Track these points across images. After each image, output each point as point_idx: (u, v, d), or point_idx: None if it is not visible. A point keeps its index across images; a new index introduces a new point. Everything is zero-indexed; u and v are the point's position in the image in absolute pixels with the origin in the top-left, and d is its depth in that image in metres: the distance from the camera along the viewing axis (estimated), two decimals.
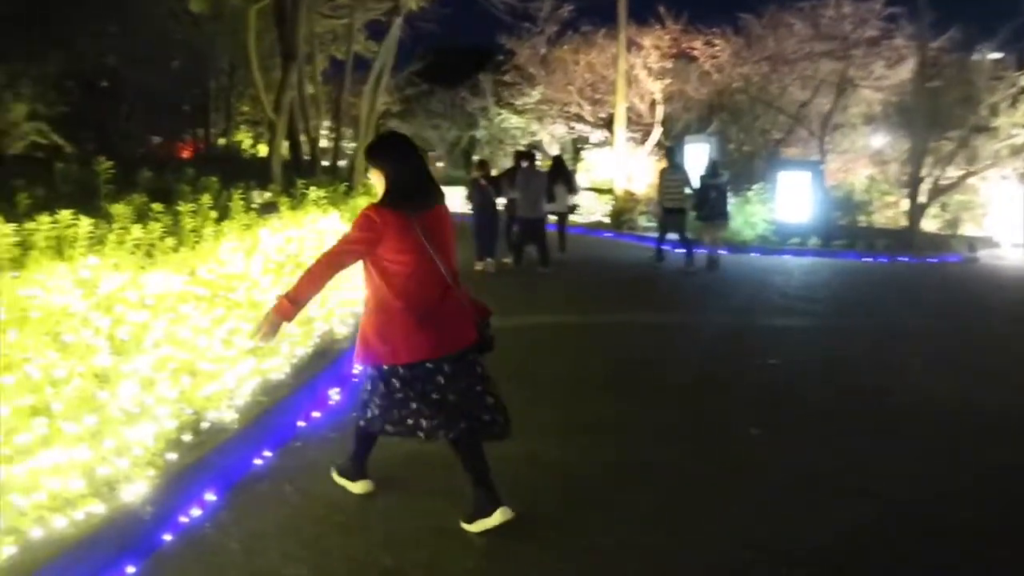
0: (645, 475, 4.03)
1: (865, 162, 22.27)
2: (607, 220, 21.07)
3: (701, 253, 12.20)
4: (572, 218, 23.22)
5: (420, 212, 3.17)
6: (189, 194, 5.33)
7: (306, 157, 11.38)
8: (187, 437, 3.57)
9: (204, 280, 4.26)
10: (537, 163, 12.51)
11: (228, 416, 3.93)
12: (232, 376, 4.08)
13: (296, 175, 8.85)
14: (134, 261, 3.67)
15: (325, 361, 5.53)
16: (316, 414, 4.89)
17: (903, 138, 19.78)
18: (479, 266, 11.51)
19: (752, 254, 14.76)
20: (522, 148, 22.83)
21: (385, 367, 3.21)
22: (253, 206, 5.96)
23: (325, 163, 13.13)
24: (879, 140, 22.00)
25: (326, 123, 13.92)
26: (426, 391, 3.19)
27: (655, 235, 13.34)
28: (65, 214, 3.44)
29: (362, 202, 8.77)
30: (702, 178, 12.30)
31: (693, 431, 4.79)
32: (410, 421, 3.24)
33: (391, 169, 3.21)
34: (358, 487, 3.64)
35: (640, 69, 20.21)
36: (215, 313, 4.11)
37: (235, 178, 7.31)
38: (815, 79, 18.78)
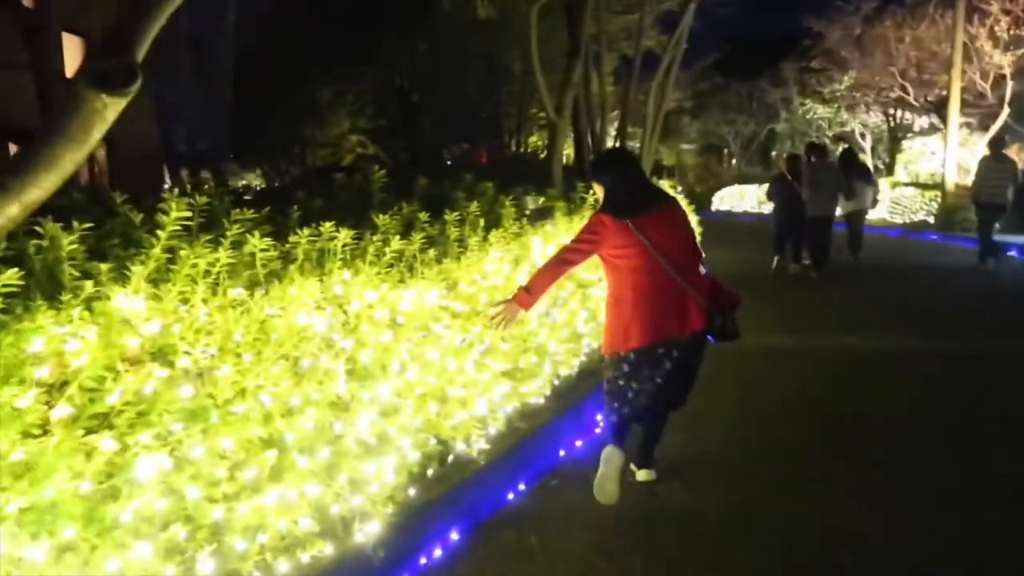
0: None
1: None
2: (932, 220, 18.20)
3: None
4: (890, 219, 20.57)
5: (634, 216, 3.50)
6: (463, 201, 5.20)
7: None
8: (432, 470, 3.27)
9: (464, 294, 3.99)
10: (830, 156, 11.65)
11: (479, 446, 3.59)
12: (485, 401, 3.75)
13: (580, 178, 8.56)
14: (391, 275, 3.48)
15: (593, 382, 5.04)
16: (579, 443, 4.42)
17: None
18: (774, 266, 10.81)
19: None
20: (816, 141, 20.67)
21: (622, 353, 3.56)
22: (526, 212, 5.70)
23: None
24: None
25: (618, 124, 13.59)
26: (652, 375, 3.53)
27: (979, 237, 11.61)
28: (327, 226, 3.33)
29: None
30: None
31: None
32: (642, 404, 3.58)
33: (605, 181, 3.68)
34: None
35: (984, 40, 17.02)
36: (471, 331, 3.81)
37: (517, 182, 7.19)
38: None
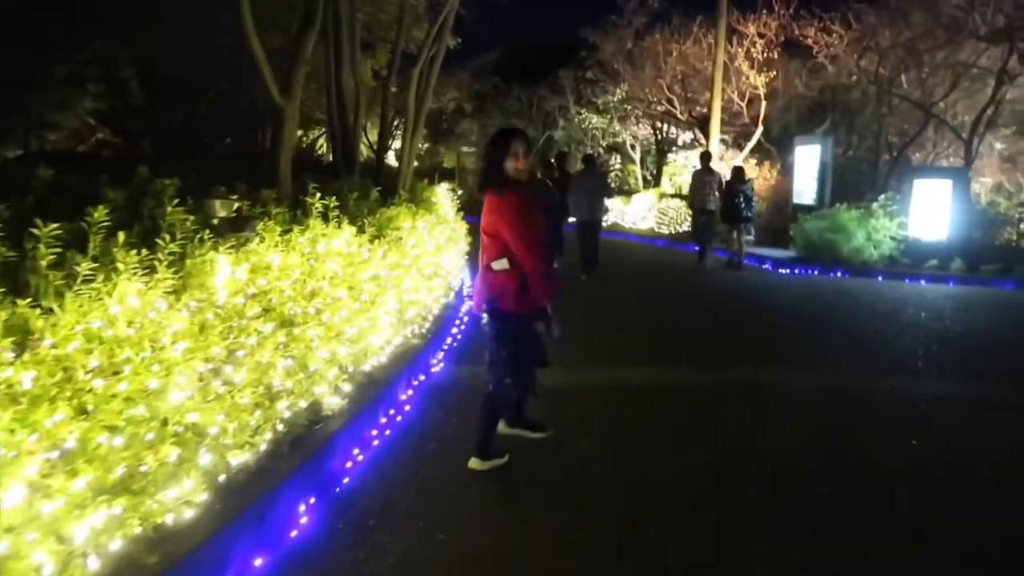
0: None
1: (993, 168, 19.32)
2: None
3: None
4: (658, 229, 21.18)
5: (479, 190, 4.02)
6: (122, 202, 3.67)
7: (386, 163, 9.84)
8: None
9: (49, 360, 2.45)
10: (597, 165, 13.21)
11: None
12: (54, 556, 2.22)
13: (324, 177, 7.11)
14: None
15: (296, 459, 3.65)
16: (259, 561, 3.03)
17: None
18: None
19: (876, 279, 12.28)
20: (590, 152, 20.95)
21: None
22: (212, 222, 4.18)
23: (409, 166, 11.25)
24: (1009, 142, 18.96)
25: (380, 118, 12.06)
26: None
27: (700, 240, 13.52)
28: None
29: (404, 211, 6.96)
30: (728, 183, 12.87)
31: None
32: None
33: None
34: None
35: (741, 60, 17.83)
36: (41, 426, 2.27)
37: (236, 179, 5.65)
38: (957, 69, 15.88)
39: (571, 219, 11.34)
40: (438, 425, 4.86)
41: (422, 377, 5.91)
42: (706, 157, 13.54)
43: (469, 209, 26.60)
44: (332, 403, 4.24)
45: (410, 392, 5.46)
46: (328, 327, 4.34)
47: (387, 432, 4.66)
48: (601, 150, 28.06)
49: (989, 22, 15.27)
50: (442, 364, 6.34)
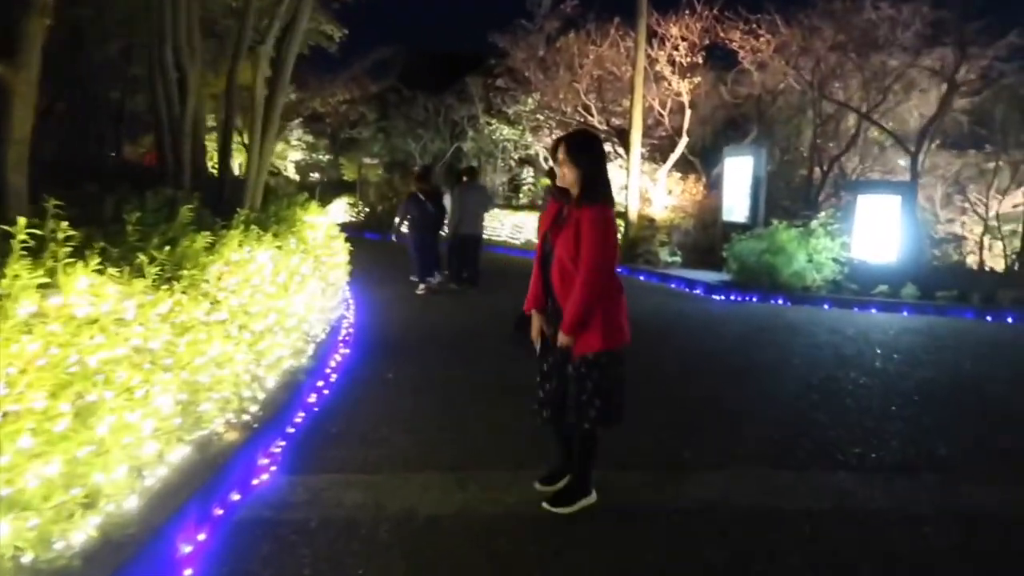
0: None
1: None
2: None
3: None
4: None
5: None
6: None
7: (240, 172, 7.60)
8: None
9: None
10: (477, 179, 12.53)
11: None
12: None
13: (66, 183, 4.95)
14: None
15: None
16: None
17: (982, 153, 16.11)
18: (420, 289, 10.82)
19: (823, 307, 10.84)
20: (469, 166, 19.27)
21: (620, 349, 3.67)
22: None
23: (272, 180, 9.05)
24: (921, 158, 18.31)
25: (224, 110, 9.64)
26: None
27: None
28: None
29: (237, 237, 4.85)
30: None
31: None
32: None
33: (585, 164, 3.52)
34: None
35: (663, 64, 16.36)
36: None
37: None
38: (895, 75, 14.82)
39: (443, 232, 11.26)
40: None
41: (236, 496, 3.82)
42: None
43: (374, 226, 24.29)
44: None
45: (202, 536, 3.36)
46: None
47: None
48: (513, 163, 26.39)
49: (899, 38, 14.34)
50: (274, 468, 4.25)
